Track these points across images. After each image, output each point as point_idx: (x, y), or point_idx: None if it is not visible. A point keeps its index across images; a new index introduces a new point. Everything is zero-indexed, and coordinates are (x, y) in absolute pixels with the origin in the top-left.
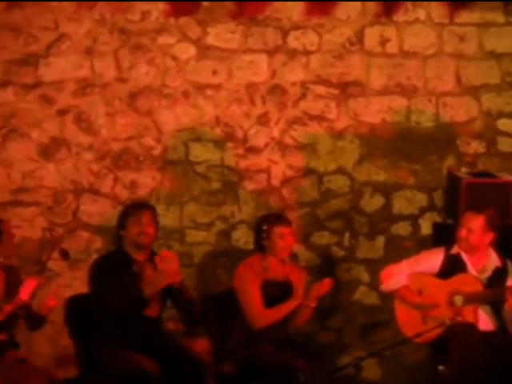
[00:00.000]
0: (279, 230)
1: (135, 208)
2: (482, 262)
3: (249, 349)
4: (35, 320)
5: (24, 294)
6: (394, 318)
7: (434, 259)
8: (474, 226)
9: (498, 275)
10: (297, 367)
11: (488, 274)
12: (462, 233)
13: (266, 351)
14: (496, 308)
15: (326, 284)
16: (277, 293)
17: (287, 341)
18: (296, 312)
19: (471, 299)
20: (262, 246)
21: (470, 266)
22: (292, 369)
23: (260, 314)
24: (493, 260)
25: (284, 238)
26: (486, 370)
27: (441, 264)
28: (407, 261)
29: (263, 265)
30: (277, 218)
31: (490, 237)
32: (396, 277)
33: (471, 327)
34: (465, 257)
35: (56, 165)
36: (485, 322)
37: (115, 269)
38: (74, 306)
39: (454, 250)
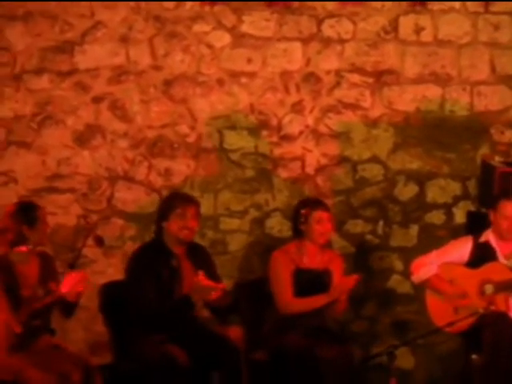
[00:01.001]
0: (317, 214)
1: (181, 201)
2: (510, 247)
3: (278, 336)
4: (66, 307)
5: (65, 286)
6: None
7: (463, 248)
8: None
9: None
10: (321, 356)
11: None
12: (504, 224)
13: (293, 339)
14: None
15: (352, 280)
16: (311, 280)
17: (321, 329)
18: (330, 303)
19: (502, 287)
20: (299, 231)
21: (498, 251)
22: (316, 357)
23: (288, 302)
24: None
25: (322, 223)
26: None
27: (470, 252)
28: (437, 251)
29: (300, 251)
30: (315, 202)
31: None
32: (426, 267)
33: (503, 316)
34: (494, 243)
35: (91, 152)
36: None
37: (155, 262)
38: (109, 293)
39: (484, 237)
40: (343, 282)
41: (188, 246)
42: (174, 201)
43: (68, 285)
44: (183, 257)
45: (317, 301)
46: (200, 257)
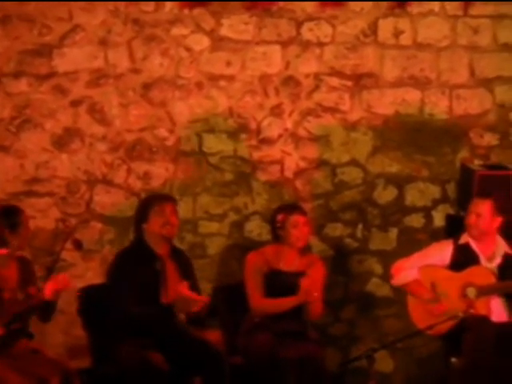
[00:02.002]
0: (294, 219)
1: (157, 200)
2: (491, 248)
3: (248, 338)
4: (45, 310)
5: (48, 291)
6: (407, 310)
7: (444, 251)
8: (483, 211)
9: (509, 262)
10: (285, 356)
11: (498, 260)
12: (471, 219)
13: (260, 340)
14: (510, 299)
15: (306, 279)
16: (288, 283)
17: (295, 331)
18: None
19: (484, 291)
20: (277, 236)
21: (479, 253)
22: (280, 358)
23: (257, 303)
24: (501, 246)
25: (299, 228)
26: (498, 362)
27: (451, 255)
28: (417, 254)
29: (278, 254)
30: (292, 207)
31: (498, 221)
32: (406, 271)
33: (484, 319)
34: (474, 245)
35: (69, 155)
36: (498, 313)
37: (138, 266)
38: (88, 296)
39: (463, 239)
40: (309, 282)
41: (171, 247)
42: (151, 201)
43: (51, 290)
44: (167, 258)
45: (286, 302)
46: (183, 262)
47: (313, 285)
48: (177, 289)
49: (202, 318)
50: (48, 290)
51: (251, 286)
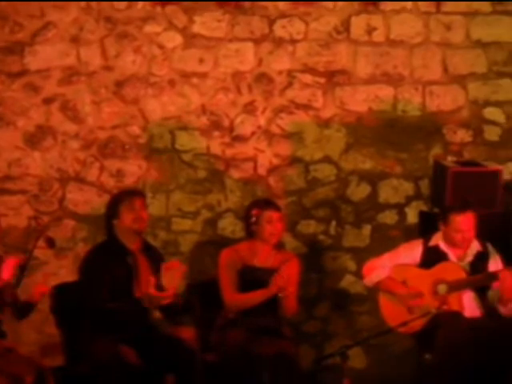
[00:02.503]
0: (268, 214)
1: (126, 195)
2: (463, 250)
3: (222, 334)
4: (24, 308)
5: (6, 273)
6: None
7: (414, 251)
8: (468, 226)
9: (480, 259)
10: (258, 353)
11: (469, 259)
12: (458, 237)
13: (233, 336)
14: (481, 293)
15: (279, 274)
16: (262, 279)
17: (268, 328)
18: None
19: (455, 287)
20: (251, 231)
21: (450, 254)
22: (253, 354)
23: (230, 298)
24: (473, 246)
25: (273, 223)
26: (472, 358)
27: (421, 256)
28: (388, 254)
29: (252, 250)
30: (266, 203)
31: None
32: (378, 270)
33: (456, 315)
34: (444, 248)
35: (42, 153)
36: (470, 308)
37: (109, 262)
38: (61, 294)
39: (433, 241)
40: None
41: (143, 242)
42: (120, 196)
43: (8, 271)
44: (139, 252)
45: (257, 295)
46: (155, 258)
47: (286, 279)
48: (144, 286)
49: (178, 310)
50: (4, 272)
51: (224, 282)
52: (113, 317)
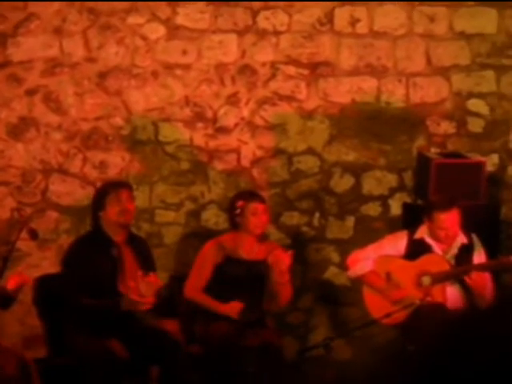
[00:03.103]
0: (253, 206)
1: (113, 187)
2: (448, 244)
3: (205, 325)
4: (3, 300)
5: (11, 284)
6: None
7: (399, 243)
8: (451, 223)
9: (464, 251)
10: (244, 344)
11: (454, 251)
12: (441, 234)
13: (218, 327)
14: (465, 285)
15: (287, 256)
16: (246, 271)
17: (254, 320)
18: (273, 293)
19: (439, 279)
20: (235, 223)
21: (435, 247)
22: (239, 346)
23: (190, 292)
24: (459, 238)
25: (257, 215)
26: (455, 349)
27: (405, 248)
28: (372, 246)
29: (236, 242)
30: (251, 194)
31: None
32: (362, 262)
33: (440, 306)
34: (429, 240)
35: (25, 145)
36: (454, 300)
37: (94, 253)
38: (44, 286)
39: (418, 234)
40: (277, 258)
41: (129, 234)
42: (106, 188)
43: (14, 284)
44: (124, 245)
45: (211, 305)
46: (142, 249)
47: (287, 266)
48: (129, 279)
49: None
50: (11, 283)
51: (194, 274)
52: (90, 312)
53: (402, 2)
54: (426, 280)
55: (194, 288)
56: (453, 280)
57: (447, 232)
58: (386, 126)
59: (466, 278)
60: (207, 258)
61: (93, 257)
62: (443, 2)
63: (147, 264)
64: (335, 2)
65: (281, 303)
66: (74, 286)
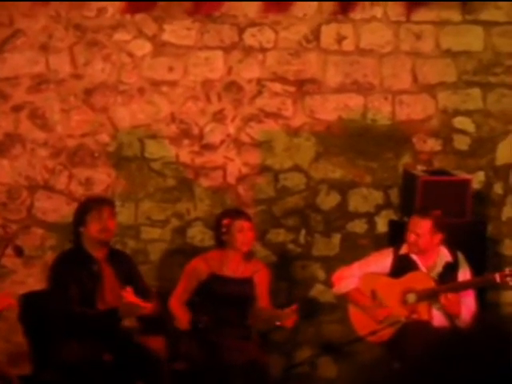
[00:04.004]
0: (239, 223)
1: (95, 203)
2: (432, 259)
3: (192, 344)
4: None
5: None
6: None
7: (384, 260)
8: (422, 231)
9: (449, 269)
10: (229, 363)
11: (439, 269)
12: (411, 237)
13: (205, 347)
14: None
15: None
16: (231, 289)
17: (239, 337)
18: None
19: (424, 296)
20: (222, 241)
21: (420, 264)
22: (226, 365)
23: (172, 305)
24: (443, 256)
25: (244, 232)
26: (441, 367)
27: (391, 264)
28: (358, 263)
29: (222, 259)
30: (237, 212)
31: (438, 237)
32: (347, 280)
33: (425, 324)
34: (414, 256)
35: (10, 161)
36: (438, 318)
37: (76, 268)
38: (29, 303)
39: (403, 250)
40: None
41: (109, 250)
42: (88, 204)
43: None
44: (104, 261)
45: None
46: (124, 264)
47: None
48: (121, 294)
49: (155, 319)
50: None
51: (178, 289)
52: (83, 323)
53: (388, 20)
54: (411, 298)
55: (178, 300)
56: (437, 298)
57: (416, 239)
58: (372, 144)
59: (442, 298)
60: (193, 275)
61: (75, 272)
62: (430, 20)
63: (130, 280)
64: (322, 20)
65: (284, 326)
66: (63, 297)
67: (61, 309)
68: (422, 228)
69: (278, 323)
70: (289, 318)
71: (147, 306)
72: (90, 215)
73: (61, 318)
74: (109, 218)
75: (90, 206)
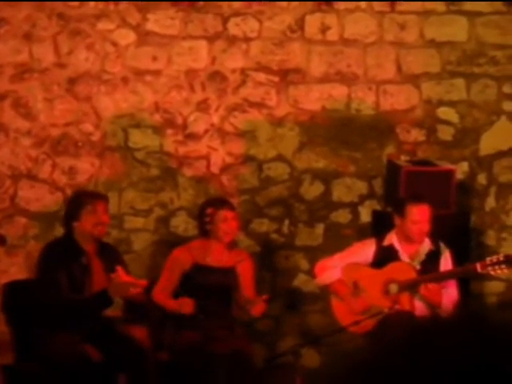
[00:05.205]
0: (223, 213)
1: (90, 198)
2: (415, 247)
3: (175, 334)
4: None
5: None
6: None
7: (367, 251)
8: (424, 218)
9: (431, 257)
10: (215, 352)
11: (421, 257)
12: (414, 230)
13: (188, 336)
14: None
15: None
16: (214, 278)
17: (224, 328)
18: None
19: (406, 286)
20: (205, 230)
21: (402, 253)
22: (210, 353)
23: (157, 294)
24: (425, 244)
25: (227, 222)
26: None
27: (373, 255)
28: (340, 254)
29: (205, 249)
30: (221, 201)
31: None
32: (329, 271)
33: (408, 315)
34: (398, 247)
35: None
36: (420, 308)
37: (66, 259)
38: (12, 292)
39: (387, 241)
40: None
41: (99, 243)
42: (83, 198)
43: None
44: (94, 255)
45: (171, 307)
46: (111, 256)
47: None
48: (112, 276)
49: (138, 307)
50: None
51: (162, 279)
52: (72, 309)
53: (372, 10)
54: (393, 288)
55: (162, 292)
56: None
57: (419, 226)
58: (356, 134)
59: (422, 288)
60: (176, 265)
61: (65, 263)
62: (414, 10)
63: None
64: (306, 9)
65: (252, 315)
66: (53, 284)
67: (50, 296)
68: (421, 214)
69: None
70: (255, 305)
71: (141, 283)
72: (85, 209)
73: (49, 306)
74: (103, 212)
75: (84, 200)
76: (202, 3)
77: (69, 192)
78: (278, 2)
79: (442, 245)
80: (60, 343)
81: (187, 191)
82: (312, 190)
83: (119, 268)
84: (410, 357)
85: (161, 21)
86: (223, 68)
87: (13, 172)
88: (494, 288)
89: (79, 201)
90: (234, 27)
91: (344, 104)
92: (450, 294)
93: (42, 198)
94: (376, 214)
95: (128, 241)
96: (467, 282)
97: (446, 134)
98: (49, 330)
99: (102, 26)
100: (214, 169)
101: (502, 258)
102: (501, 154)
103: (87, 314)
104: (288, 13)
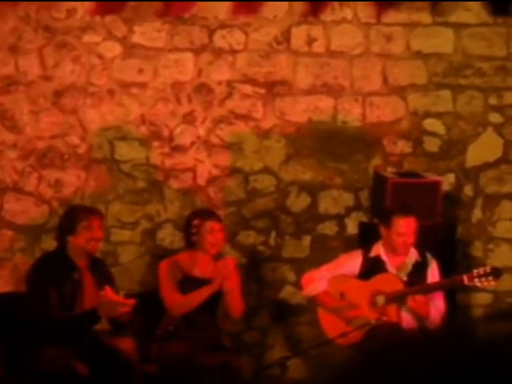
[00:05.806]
0: (209, 224)
1: (86, 213)
2: (402, 258)
3: (162, 346)
4: None
5: None
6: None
7: (353, 262)
8: (410, 231)
9: (418, 269)
10: (203, 364)
11: (408, 268)
12: (399, 242)
13: (176, 348)
14: None
15: (230, 262)
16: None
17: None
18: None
19: (393, 298)
20: (191, 241)
21: (389, 265)
22: (198, 366)
23: (173, 300)
24: (412, 255)
25: (214, 234)
26: (410, 368)
27: (360, 266)
28: (327, 265)
29: (192, 260)
30: (207, 213)
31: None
32: (316, 282)
33: (395, 326)
34: (385, 258)
35: None
36: (407, 320)
37: (57, 274)
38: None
39: (374, 252)
40: (222, 266)
41: (91, 258)
42: (78, 213)
43: None
44: (85, 270)
45: (201, 293)
46: (102, 271)
47: (229, 270)
48: (100, 295)
49: (124, 323)
50: None
51: (166, 287)
52: (60, 326)
53: (358, 22)
54: (380, 300)
55: (175, 297)
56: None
57: (404, 239)
58: (342, 146)
59: (409, 300)
60: (169, 273)
61: (56, 278)
62: (400, 22)
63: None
64: (292, 21)
65: (232, 316)
66: (42, 300)
67: (38, 312)
68: (407, 227)
69: None
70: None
71: (129, 302)
72: (80, 224)
73: (37, 321)
74: (98, 228)
75: (80, 216)
76: (188, 15)
77: (55, 205)
78: (264, 14)
79: (428, 255)
80: (49, 357)
81: (174, 203)
82: (298, 202)
83: (107, 288)
84: (397, 368)
85: (147, 33)
86: (209, 80)
87: None
88: (481, 300)
89: (75, 215)
90: (220, 39)
91: (330, 116)
92: (437, 306)
93: (28, 211)
94: (363, 226)
95: (115, 253)
96: (454, 294)
97: (432, 145)
98: (38, 345)
99: (88, 38)
100: (201, 181)
101: (488, 270)
102: (487, 166)
103: (75, 331)
104: (274, 25)
